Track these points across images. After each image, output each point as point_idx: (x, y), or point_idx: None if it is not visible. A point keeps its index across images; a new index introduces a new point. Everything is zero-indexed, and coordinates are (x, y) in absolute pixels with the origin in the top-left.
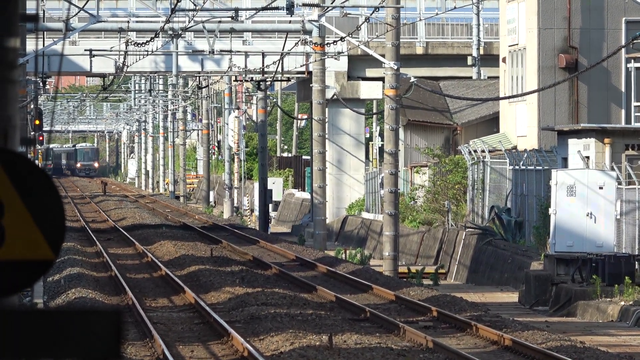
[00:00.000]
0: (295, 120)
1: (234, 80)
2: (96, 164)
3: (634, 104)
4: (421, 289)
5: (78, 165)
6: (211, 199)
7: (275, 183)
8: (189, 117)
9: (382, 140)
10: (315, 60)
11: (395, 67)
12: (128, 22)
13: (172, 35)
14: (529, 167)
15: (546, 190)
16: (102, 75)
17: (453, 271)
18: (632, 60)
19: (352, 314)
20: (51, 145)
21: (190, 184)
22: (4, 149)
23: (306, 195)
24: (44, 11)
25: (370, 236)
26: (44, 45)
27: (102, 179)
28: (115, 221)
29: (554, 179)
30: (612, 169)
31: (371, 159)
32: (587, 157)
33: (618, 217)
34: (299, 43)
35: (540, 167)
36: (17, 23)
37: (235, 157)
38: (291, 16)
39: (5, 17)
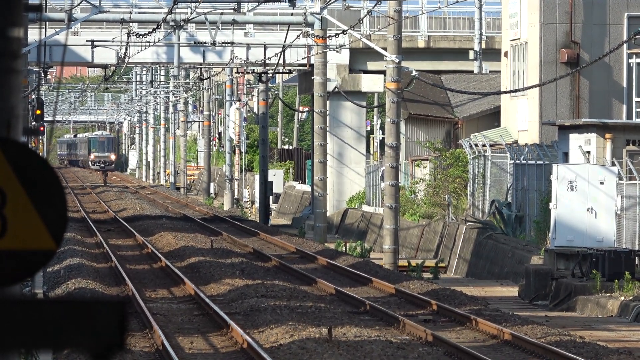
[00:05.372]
0: (296, 113)
1: (235, 72)
2: (113, 156)
3: (635, 99)
4: (421, 282)
5: (91, 157)
6: (212, 190)
7: (275, 175)
8: (190, 108)
9: (383, 134)
10: (317, 53)
11: (397, 61)
12: (130, 13)
13: (174, 26)
14: (529, 162)
15: (547, 185)
16: (104, 66)
17: (453, 265)
18: (634, 56)
19: (351, 306)
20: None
21: (190, 176)
22: (7, 139)
23: (307, 187)
24: (46, 1)
25: (371, 229)
26: (45, 36)
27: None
28: (115, 212)
29: (554, 173)
30: (613, 164)
31: (372, 152)
32: (588, 152)
33: (618, 212)
34: (301, 35)
35: (541, 162)
36: (20, 13)
37: (236, 149)
38: (293, 8)
39: (9, 7)
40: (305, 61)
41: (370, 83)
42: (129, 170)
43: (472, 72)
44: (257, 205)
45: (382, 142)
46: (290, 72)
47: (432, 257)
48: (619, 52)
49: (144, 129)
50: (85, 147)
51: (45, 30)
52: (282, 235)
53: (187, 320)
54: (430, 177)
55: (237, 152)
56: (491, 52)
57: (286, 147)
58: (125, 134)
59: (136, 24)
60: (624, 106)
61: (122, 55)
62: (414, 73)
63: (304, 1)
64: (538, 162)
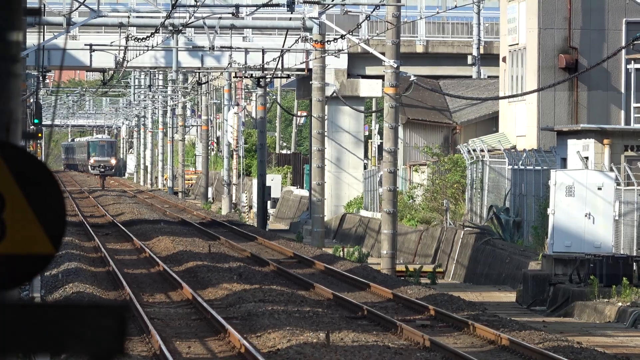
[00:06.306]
0: (294, 118)
1: (233, 77)
2: (113, 161)
3: (633, 105)
4: (419, 287)
5: (91, 161)
6: (209, 195)
7: (273, 180)
8: (188, 113)
9: (381, 139)
10: (316, 58)
11: (395, 66)
12: (128, 17)
13: (172, 31)
14: (528, 167)
15: (545, 191)
16: (102, 70)
17: (451, 270)
18: (632, 62)
19: (349, 311)
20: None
21: (188, 180)
22: (6, 143)
23: (305, 192)
24: (44, 5)
25: (369, 234)
26: (44, 40)
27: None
28: (113, 216)
29: (552, 179)
30: (611, 169)
31: (370, 157)
32: (586, 158)
33: (616, 218)
34: (299, 40)
35: (539, 167)
36: (20, 16)
37: (234, 153)
38: (292, 13)
39: (9, 11)
40: (303, 66)
41: (368, 88)
42: (126, 175)
43: (470, 77)
44: (254, 209)
45: (380, 147)
46: (288, 76)
47: (429, 262)
48: (617, 58)
49: (142, 133)
50: (84, 150)
51: (44, 34)
52: (279, 240)
53: (185, 325)
54: (428, 182)
55: (235, 156)
56: (489, 57)
57: (284, 151)
58: (123, 138)
59: (134, 28)
60: (622, 112)
61: (121, 60)
62: (412, 78)
63: (302, 6)
64: (536, 167)
